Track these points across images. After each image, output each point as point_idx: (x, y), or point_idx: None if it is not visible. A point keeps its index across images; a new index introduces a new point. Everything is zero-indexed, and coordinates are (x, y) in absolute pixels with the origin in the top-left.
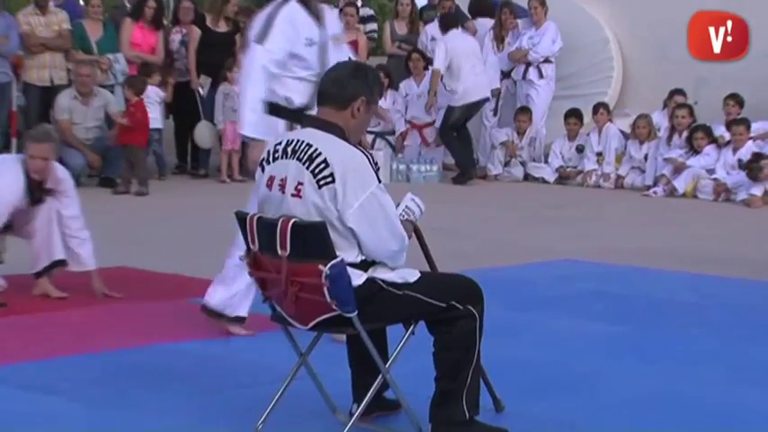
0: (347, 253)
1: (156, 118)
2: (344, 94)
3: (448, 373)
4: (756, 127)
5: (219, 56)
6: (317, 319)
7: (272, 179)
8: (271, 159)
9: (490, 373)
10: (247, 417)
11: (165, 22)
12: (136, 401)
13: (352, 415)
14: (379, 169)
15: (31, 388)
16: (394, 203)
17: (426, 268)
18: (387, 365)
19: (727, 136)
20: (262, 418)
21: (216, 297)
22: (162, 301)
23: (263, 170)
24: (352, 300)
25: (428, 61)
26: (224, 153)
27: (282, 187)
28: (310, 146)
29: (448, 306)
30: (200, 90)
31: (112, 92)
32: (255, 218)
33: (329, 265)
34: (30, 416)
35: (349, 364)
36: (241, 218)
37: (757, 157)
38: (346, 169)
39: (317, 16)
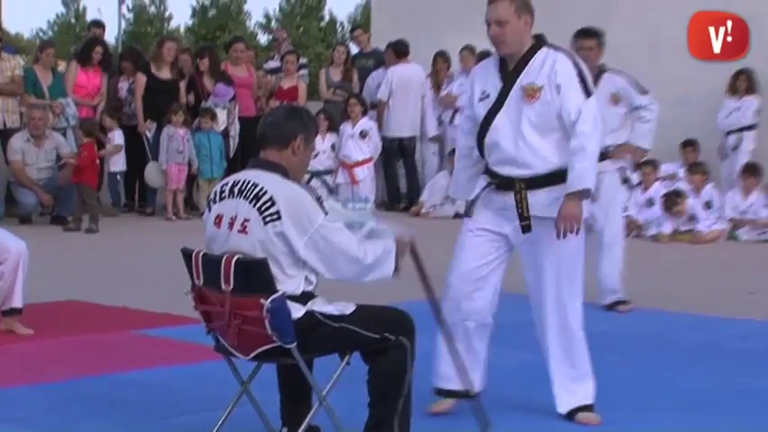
0: (287, 285)
1: (120, 162)
2: (283, 135)
3: (381, 400)
4: (664, 169)
5: (164, 100)
6: (258, 350)
7: (219, 218)
8: (217, 199)
9: (419, 398)
10: None
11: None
12: (86, 429)
13: None
14: (321, 200)
15: None
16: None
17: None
18: (324, 393)
19: (636, 177)
20: None
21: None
22: (110, 333)
23: (209, 209)
24: (292, 331)
25: (366, 106)
26: (169, 192)
27: (231, 225)
28: (256, 185)
29: (381, 338)
30: (147, 133)
31: (65, 135)
32: (201, 254)
33: (270, 299)
34: None
35: (279, 390)
36: (187, 254)
37: (676, 193)
38: (291, 207)
39: (507, 65)
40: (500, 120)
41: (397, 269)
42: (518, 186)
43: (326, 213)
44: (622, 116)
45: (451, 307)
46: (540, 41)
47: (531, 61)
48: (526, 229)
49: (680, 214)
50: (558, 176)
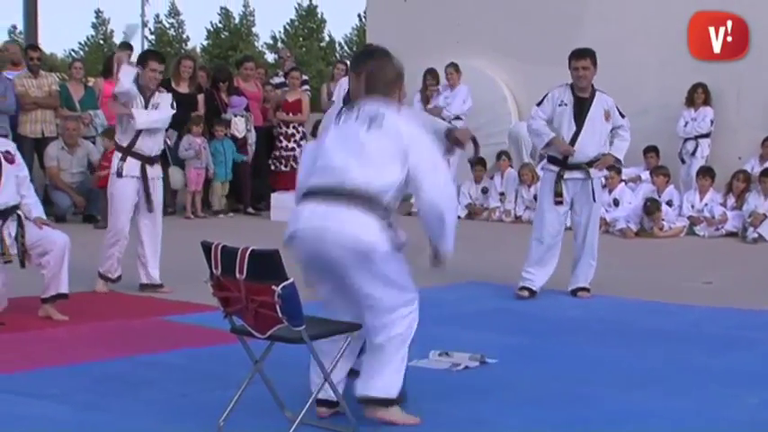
0: (383, 179)
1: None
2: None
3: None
4: (627, 172)
5: (184, 112)
6: (273, 329)
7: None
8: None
9: (407, 378)
10: (211, 416)
11: None
12: (115, 405)
13: None
14: None
15: (26, 394)
16: None
17: None
18: (329, 370)
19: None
20: (223, 417)
21: None
22: (136, 319)
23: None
24: (301, 316)
25: None
26: (188, 193)
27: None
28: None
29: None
30: (168, 141)
31: (93, 142)
32: (219, 247)
33: (281, 286)
34: (25, 418)
35: None
36: (206, 247)
37: (654, 201)
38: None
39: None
40: None
41: None
42: None
43: None
44: (608, 132)
45: None
46: None
47: None
48: None
49: (658, 219)
50: None
